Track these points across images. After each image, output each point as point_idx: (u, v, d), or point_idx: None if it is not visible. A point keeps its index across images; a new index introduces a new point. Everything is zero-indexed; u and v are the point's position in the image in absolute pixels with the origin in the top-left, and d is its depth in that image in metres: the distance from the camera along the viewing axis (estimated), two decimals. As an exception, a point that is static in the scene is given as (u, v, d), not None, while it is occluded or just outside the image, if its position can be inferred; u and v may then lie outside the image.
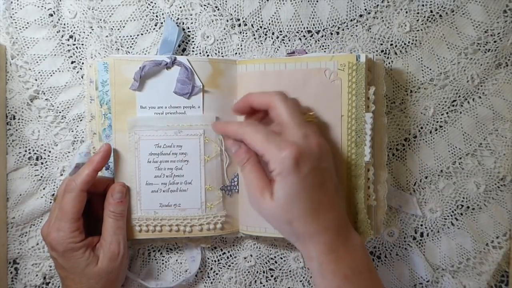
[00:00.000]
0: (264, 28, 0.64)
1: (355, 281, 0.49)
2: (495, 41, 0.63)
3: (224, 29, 0.64)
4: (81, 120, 0.64)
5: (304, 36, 0.64)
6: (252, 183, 0.52)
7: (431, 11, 0.63)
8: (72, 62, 0.64)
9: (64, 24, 0.63)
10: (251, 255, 0.65)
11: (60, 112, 0.64)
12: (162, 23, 0.63)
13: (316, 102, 0.57)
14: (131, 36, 0.64)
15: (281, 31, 0.64)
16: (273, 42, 0.64)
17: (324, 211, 0.50)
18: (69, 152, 0.64)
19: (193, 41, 0.64)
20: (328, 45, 0.64)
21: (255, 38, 0.64)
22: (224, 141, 0.59)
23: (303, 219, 0.49)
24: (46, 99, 0.64)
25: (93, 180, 0.56)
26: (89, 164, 0.56)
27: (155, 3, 0.63)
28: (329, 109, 0.57)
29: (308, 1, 0.63)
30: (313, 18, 0.64)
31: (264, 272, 0.66)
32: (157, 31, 0.64)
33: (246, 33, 0.64)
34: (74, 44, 0.64)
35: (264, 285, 0.65)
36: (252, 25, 0.64)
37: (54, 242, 0.55)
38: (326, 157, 0.52)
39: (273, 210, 0.50)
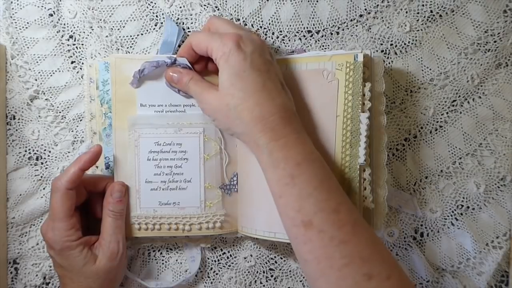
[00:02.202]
0: (264, 28, 0.64)
1: (308, 168, 0.49)
2: (495, 41, 0.63)
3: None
4: (81, 120, 0.64)
5: (304, 36, 0.64)
6: (197, 90, 0.55)
7: (431, 11, 0.63)
8: (72, 62, 0.64)
9: (64, 24, 0.64)
10: (251, 255, 0.65)
11: (60, 112, 0.64)
12: (162, 23, 0.63)
13: (313, 103, 0.57)
14: (131, 36, 0.64)
15: (281, 31, 0.64)
16: (273, 42, 0.64)
17: (270, 96, 0.50)
18: (69, 152, 0.64)
19: (193, 41, 0.64)
20: (328, 45, 0.64)
21: (255, 38, 0.64)
22: (165, 76, 0.58)
23: (248, 101, 0.50)
24: (46, 99, 0.64)
25: (80, 179, 0.55)
26: (76, 163, 0.56)
27: (155, 3, 0.63)
28: (325, 110, 0.56)
29: (308, 1, 0.63)
30: (313, 18, 0.64)
31: (264, 272, 0.65)
32: (157, 31, 0.64)
33: (246, 33, 0.64)
34: (74, 44, 0.64)
35: (264, 285, 0.65)
36: (252, 25, 0.64)
37: (51, 241, 0.55)
38: (270, 53, 0.54)
39: (217, 99, 0.52)
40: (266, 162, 0.50)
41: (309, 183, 0.48)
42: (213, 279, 0.65)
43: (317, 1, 0.64)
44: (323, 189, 0.48)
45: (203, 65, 0.57)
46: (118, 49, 0.63)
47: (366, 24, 0.64)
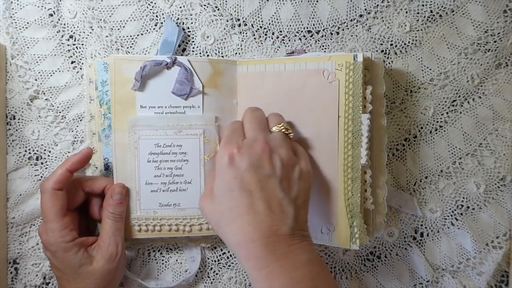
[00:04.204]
0: (264, 28, 0.64)
1: None
2: (495, 41, 0.63)
3: (224, 29, 0.64)
4: (81, 120, 0.64)
5: (304, 36, 0.64)
6: (206, 186, 0.53)
7: (431, 11, 0.63)
8: (72, 62, 0.64)
9: (64, 24, 0.63)
10: (251, 255, 0.65)
11: (60, 112, 0.64)
12: (162, 23, 0.63)
13: (314, 103, 0.56)
14: (131, 36, 0.64)
15: (281, 31, 0.64)
16: (273, 42, 0.64)
17: (256, 220, 0.47)
18: (69, 152, 0.64)
19: (193, 41, 0.64)
20: (328, 45, 0.64)
21: (255, 38, 0.64)
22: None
23: (232, 224, 0.47)
24: (46, 99, 0.64)
25: (68, 180, 0.55)
26: (64, 164, 0.56)
27: (155, 3, 0.63)
28: (326, 110, 0.56)
29: (308, 1, 0.63)
30: (313, 18, 0.64)
31: (264, 272, 0.65)
32: (157, 31, 0.64)
33: (246, 33, 0.64)
34: (74, 44, 0.64)
35: (264, 285, 0.65)
36: (252, 25, 0.64)
37: (46, 242, 0.55)
38: (270, 166, 0.49)
39: (210, 210, 0.50)
40: (253, 284, 0.47)
41: None
42: (213, 279, 0.65)
43: (317, 1, 0.64)
44: None
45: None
46: (118, 49, 0.63)
47: (366, 24, 0.64)
